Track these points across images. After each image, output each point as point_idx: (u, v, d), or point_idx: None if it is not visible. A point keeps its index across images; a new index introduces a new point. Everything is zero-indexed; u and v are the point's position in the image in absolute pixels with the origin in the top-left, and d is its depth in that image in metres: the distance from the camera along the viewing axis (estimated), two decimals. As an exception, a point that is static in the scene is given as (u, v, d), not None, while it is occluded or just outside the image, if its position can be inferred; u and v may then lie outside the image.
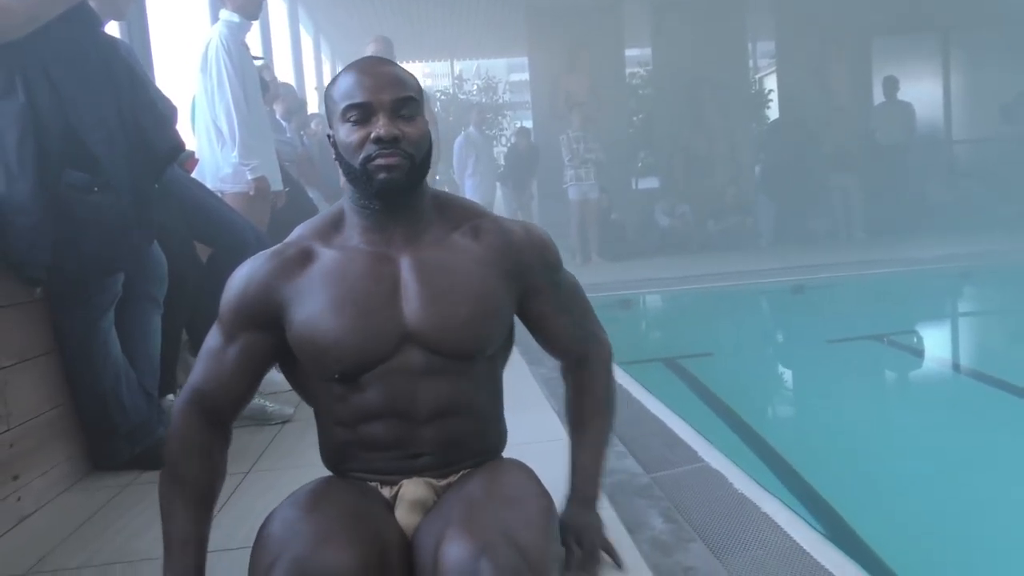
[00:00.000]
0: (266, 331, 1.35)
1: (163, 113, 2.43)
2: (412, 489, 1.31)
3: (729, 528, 1.69)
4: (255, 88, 3.86)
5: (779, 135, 10.13)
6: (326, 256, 1.35)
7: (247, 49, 3.91)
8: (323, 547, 1.12)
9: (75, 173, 2.09)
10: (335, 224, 1.40)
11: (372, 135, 1.30)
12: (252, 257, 1.40)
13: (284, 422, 2.79)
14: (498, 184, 9.82)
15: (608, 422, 1.54)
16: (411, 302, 1.31)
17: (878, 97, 9.99)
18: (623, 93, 10.84)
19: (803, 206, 9.69)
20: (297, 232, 1.43)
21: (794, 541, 1.62)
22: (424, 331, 1.30)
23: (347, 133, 1.32)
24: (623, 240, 9.35)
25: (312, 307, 1.31)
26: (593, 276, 7.50)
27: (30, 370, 2.13)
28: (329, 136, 1.37)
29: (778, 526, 1.69)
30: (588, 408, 1.51)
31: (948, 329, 5.66)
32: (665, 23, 10.57)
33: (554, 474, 1.43)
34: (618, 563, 1.46)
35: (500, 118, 11.55)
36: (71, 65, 2.15)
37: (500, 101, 12.37)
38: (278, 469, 2.23)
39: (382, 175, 1.29)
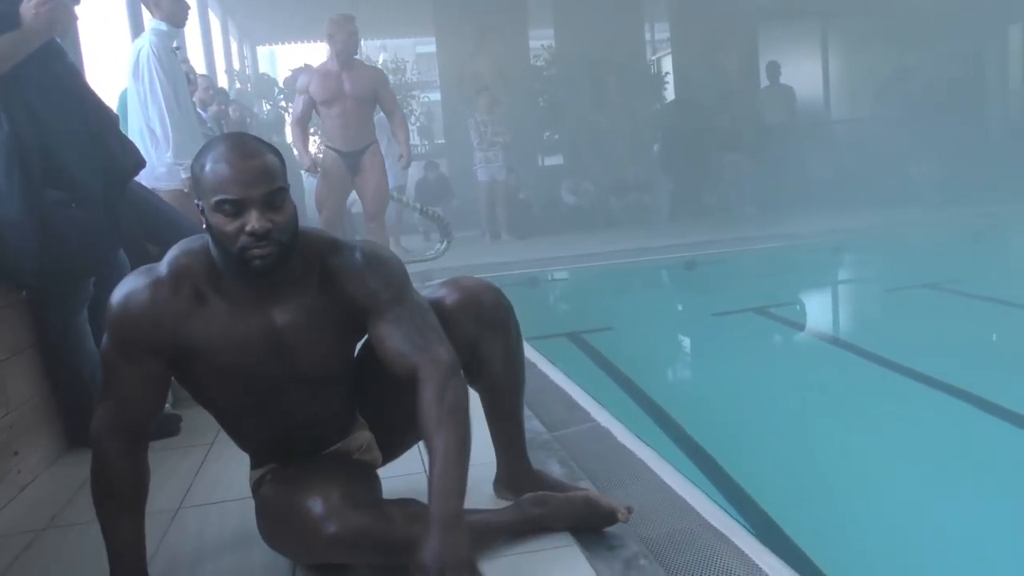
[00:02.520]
0: (163, 357, 1.54)
1: (116, 124, 2.76)
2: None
3: (612, 470, 2.17)
4: (184, 90, 4.12)
5: (675, 115, 10.78)
6: (214, 308, 1.54)
7: (175, 54, 4.17)
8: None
9: (55, 192, 2.40)
10: (212, 269, 1.54)
11: (247, 228, 1.44)
12: (141, 279, 1.53)
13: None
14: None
15: (452, 437, 1.50)
16: (279, 353, 1.58)
17: (765, 80, 10.72)
18: (528, 74, 11.28)
19: (698, 183, 10.37)
20: (181, 257, 1.56)
21: (660, 478, 2.12)
22: (288, 371, 1.60)
23: (221, 223, 1.46)
24: (531, 218, 9.83)
25: (210, 363, 1.55)
26: (502, 255, 7.97)
27: (21, 362, 2.44)
28: (198, 205, 1.49)
29: (649, 468, 2.18)
30: (428, 427, 1.52)
31: (820, 301, 6.30)
32: (566, 6, 11.06)
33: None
34: None
35: (410, 99, 11.82)
36: (46, 92, 2.44)
37: (409, 80, 12.62)
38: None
39: (257, 263, 1.47)
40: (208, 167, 1.46)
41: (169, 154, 3.87)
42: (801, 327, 5.32)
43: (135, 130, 3.97)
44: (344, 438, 1.78)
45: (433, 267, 6.48)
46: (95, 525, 1.80)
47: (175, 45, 4.27)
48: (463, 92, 10.24)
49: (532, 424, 2.47)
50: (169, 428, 2.73)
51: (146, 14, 4.15)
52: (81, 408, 2.61)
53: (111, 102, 4.60)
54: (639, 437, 2.50)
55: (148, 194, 3.24)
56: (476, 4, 10.70)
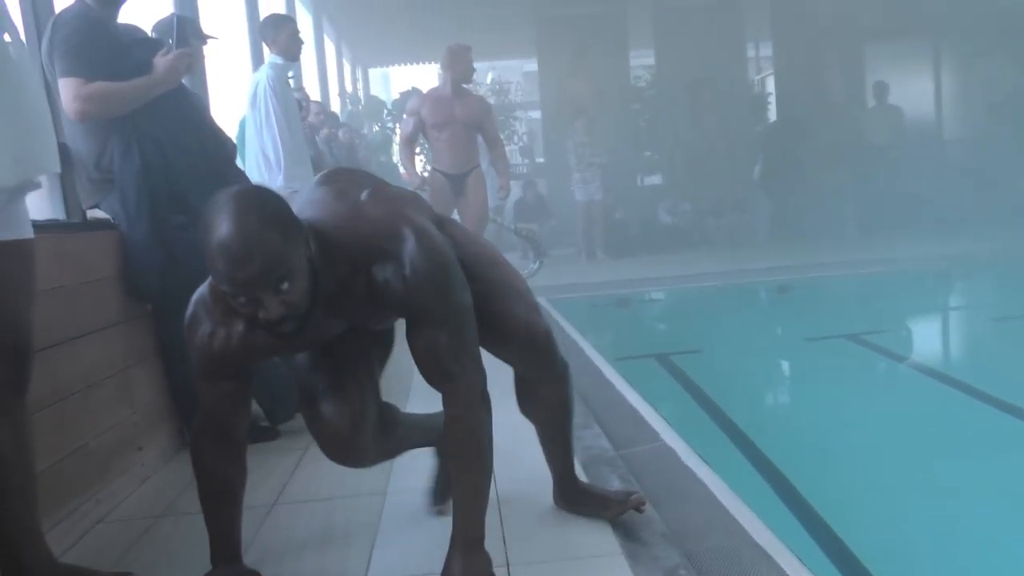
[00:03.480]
0: (231, 377, 1.71)
1: (232, 155, 3.07)
2: None
3: (669, 488, 2.28)
4: (296, 118, 4.47)
5: (776, 135, 10.68)
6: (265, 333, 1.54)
7: (289, 85, 4.51)
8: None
9: (177, 217, 2.71)
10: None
11: (262, 317, 1.46)
12: (206, 320, 1.66)
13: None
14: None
15: (476, 462, 1.62)
16: (331, 347, 1.76)
17: (871, 100, 10.48)
18: (628, 94, 11.40)
19: (799, 204, 10.23)
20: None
21: (714, 496, 2.22)
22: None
23: (238, 306, 1.48)
24: (627, 237, 9.92)
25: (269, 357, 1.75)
26: (596, 275, 8.11)
27: (145, 367, 2.75)
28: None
29: (706, 486, 2.28)
30: (453, 450, 1.66)
31: (919, 330, 6.11)
32: (667, 27, 11.13)
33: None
34: None
35: (512, 120, 12.13)
36: (171, 127, 2.75)
37: (513, 101, 12.95)
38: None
39: (281, 335, 1.51)
40: (214, 251, 1.41)
41: (280, 178, 4.20)
42: (896, 357, 5.18)
43: (252, 154, 4.33)
44: None
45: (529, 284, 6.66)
46: (200, 514, 2.04)
47: (290, 75, 4.62)
48: (563, 113, 10.44)
49: (600, 442, 2.61)
50: (269, 433, 3.00)
51: (265, 48, 4.50)
52: (194, 410, 2.91)
53: (232, 128, 5.04)
54: (701, 456, 2.59)
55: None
56: (577, 26, 10.91)
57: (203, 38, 3.43)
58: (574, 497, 2.05)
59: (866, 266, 7.47)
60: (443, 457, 2.11)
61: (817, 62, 10.69)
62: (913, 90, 10.83)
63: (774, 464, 2.99)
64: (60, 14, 2.59)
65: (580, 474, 2.17)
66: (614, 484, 2.21)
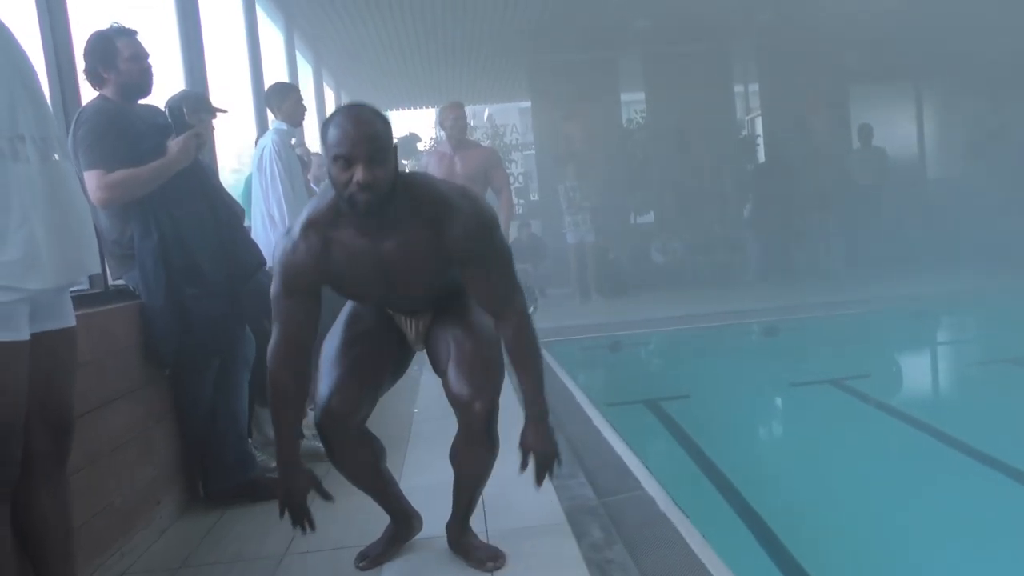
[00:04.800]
0: (306, 290, 2.07)
1: (240, 219, 3.31)
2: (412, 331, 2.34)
3: (646, 536, 2.47)
4: (299, 177, 4.72)
5: (765, 176, 10.96)
6: (337, 245, 2.05)
7: (292, 149, 4.77)
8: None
9: (191, 287, 2.93)
10: (335, 213, 2.04)
11: (353, 179, 1.91)
12: (289, 238, 2.09)
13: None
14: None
15: (535, 364, 2.17)
16: (388, 276, 2.10)
17: (856, 140, 10.79)
18: (619, 136, 11.71)
19: (787, 243, 10.49)
20: (310, 216, 2.08)
21: (688, 546, 2.42)
22: (398, 288, 2.14)
23: (336, 173, 1.94)
24: (620, 277, 10.16)
25: (335, 276, 2.10)
26: (588, 317, 8.32)
27: (164, 426, 2.96)
28: (328, 171, 1.98)
29: (681, 535, 2.48)
30: (516, 357, 2.16)
31: (899, 374, 6.24)
32: (656, 71, 11.45)
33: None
34: (551, 474, 2.18)
35: (509, 162, 12.44)
36: (184, 201, 2.98)
37: (508, 142, 13.28)
38: (340, 496, 3.05)
39: (360, 206, 1.95)
40: (330, 129, 1.94)
41: (285, 236, 4.44)
42: (876, 403, 5.23)
43: (258, 213, 4.56)
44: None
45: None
46: (219, 566, 2.24)
47: (293, 141, 4.88)
48: (556, 157, 10.74)
49: (584, 491, 2.82)
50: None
51: (270, 114, 4.77)
52: (212, 463, 3.12)
53: (238, 188, 5.29)
54: (679, 506, 2.79)
55: (264, 276, 3.77)
56: (569, 69, 11.22)
57: (212, 111, 3.69)
58: (455, 538, 2.42)
59: (852, 306, 7.66)
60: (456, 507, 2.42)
61: (803, 104, 11.01)
62: (897, 132, 11.15)
63: (756, 512, 3.14)
64: (83, 110, 2.84)
65: (562, 522, 2.41)
66: (594, 534, 2.42)
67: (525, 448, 2.17)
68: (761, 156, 11.81)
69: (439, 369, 2.26)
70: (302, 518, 2.15)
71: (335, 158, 1.93)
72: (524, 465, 2.16)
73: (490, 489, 2.38)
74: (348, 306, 2.39)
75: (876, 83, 11.35)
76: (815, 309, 7.70)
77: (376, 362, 2.28)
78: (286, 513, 2.16)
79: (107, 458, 2.47)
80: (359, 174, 1.91)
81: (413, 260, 2.08)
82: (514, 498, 2.58)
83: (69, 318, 1.90)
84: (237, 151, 7.10)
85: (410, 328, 2.35)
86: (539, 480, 2.18)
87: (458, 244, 2.06)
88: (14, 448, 1.73)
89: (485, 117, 15.32)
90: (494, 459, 2.28)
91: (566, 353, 6.53)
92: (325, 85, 11.04)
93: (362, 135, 1.92)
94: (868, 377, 5.78)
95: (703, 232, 10.71)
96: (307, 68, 9.86)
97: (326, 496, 2.20)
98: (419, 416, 4.42)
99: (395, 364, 2.37)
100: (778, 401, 5.44)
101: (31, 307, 1.75)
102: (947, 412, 4.98)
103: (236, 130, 6.63)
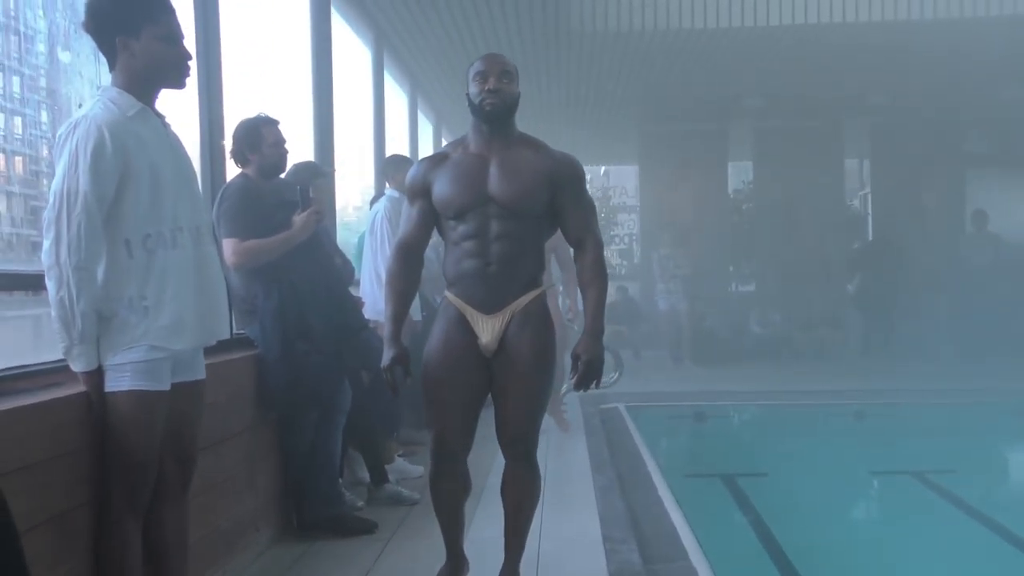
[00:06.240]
0: (427, 198, 2.61)
1: (350, 280, 3.74)
2: (487, 334, 2.59)
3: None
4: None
5: (873, 254, 10.83)
6: (453, 158, 2.62)
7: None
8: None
9: (302, 344, 3.36)
10: (463, 141, 2.66)
11: (486, 87, 2.54)
12: (417, 167, 2.72)
13: (414, 503, 3.95)
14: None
15: (600, 286, 2.59)
16: (492, 181, 2.55)
17: (969, 225, 10.55)
18: (725, 205, 11.82)
19: (892, 324, 10.28)
20: (447, 146, 2.74)
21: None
22: (496, 195, 2.55)
23: (475, 88, 2.56)
24: (715, 345, 10.18)
25: (441, 183, 2.59)
26: (680, 383, 8.42)
27: (267, 463, 3.38)
28: (467, 94, 2.58)
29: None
30: (586, 278, 2.60)
31: (987, 475, 5.97)
32: (766, 143, 11.55)
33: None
34: (596, 385, 2.57)
35: (612, 225, 12.75)
36: (302, 270, 3.43)
37: (614, 204, 13.60)
38: (413, 538, 3.39)
39: (488, 108, 2.54)
40: (474, 63, 2.62)
41: (390, 294, 4.87)
42: (955, 501, 5.12)
43: (367, 272, 5.02)
44: (525, 294, 2.63)
45: (609, 391, 7.01)
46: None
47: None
48: (656, 222, 10.96)
49: (632, 556, 3.05)
50: (368, 527, 3.54)
51: (386, 183, 5.26)
52: (307, 497, 3.51)
53: (352, 240, 5.78)
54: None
55: (367, 335, 4.19)
56: (679, 140, 11.47)
57: (325, 173, 4.21)
58: None
59: (949, 396, 7.47)
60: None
61: (916, 185, 10.88)
62: (1015, 219, 10.82)
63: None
64: (227, 186, 3.38)
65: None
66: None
67: (575, 355, 2.57)
68: (870, 233, 11.68)
69: (494, 398, 2.66)
70: (392, 383, 2.61)
71: (475, 75, 2.57)
72: (574, 370, 2.57)
73: (545, 545, 2.64)
74: (433, 340, 2.67)
75: (994, 166, 11.10)
76: (911, 395, 7.57)
77: (474, 392, 2.65)
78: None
79: (219, 487, 2.88)
80: (491, 83, 2.53)
81: (518, 169, 2.57)
82: (565, 557, 2.82)
83: (201, 371, 2.31)
84: (362, 189, 7.77)
85: (484, 330, 2.61)
86: (580, 385, 2.59)
87: (560, 168, 2.61)
88: (151, 477, 2.13)
89: (602, 172, 15.68)
90: (539, 487, 2.65)
91: (650, 419, 6.68)
92: (444, 139, 11.69)
93: (496, 60, 2.62)
94: (953, 473, 5.63)
95: (804, 306, 10.66)
96: (428, 126, 10.49)
97: (407, 373, 2.63)
98: (497, 470, 4.72)
99: (484, 388, 2.69)
100: (854, 488, 5.42)
101: (173, 362, 2.17)
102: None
103: (359, 172, 7.23)
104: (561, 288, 6.61)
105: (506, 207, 2.56)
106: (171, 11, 2.18)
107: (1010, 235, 10.36)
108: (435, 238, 2.87)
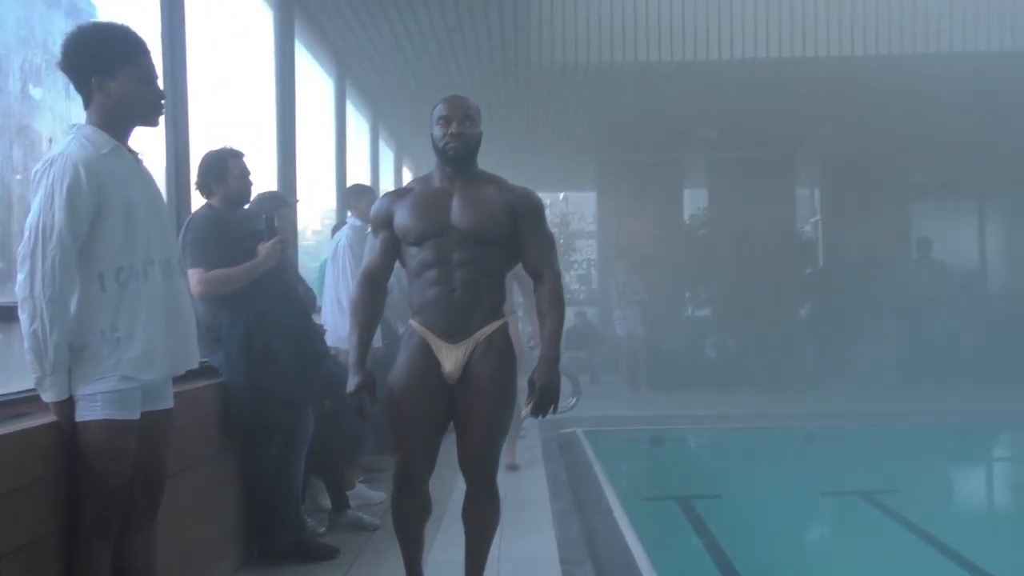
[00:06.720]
0: (390, 227, 2.74)
1: (312, 309, 3.81)
2: (451, 362, 2.68)
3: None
4: (364, 269, 5.25)
5: (823, 280, 11.15)
6: (417, 191, 2.77)
7: (365, 242, 5.29)
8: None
9: (267, 371, 3.42)
10: (428, 178, 2.82)
11: (449, 131, 2.68)
12: (381, 200, 2.86)
13: (375, 529, 4.00)
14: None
15: (557, 315, 2.71)
16: (454, 212, 2.67)
17: (915, 252, 10.93)
18: (681, 232, 12.08)
19: (843, 349, 10.55)
20: (412, 182, 2.89)
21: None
22: (457, 224, 2.67)
23: (439, 131, 2.70)
24: (672, 370, 10.36)
25: (403, 212, 2.71)
26: (637, 408, 8.58)
27: (231, 490, 3.42)
28: (431, 134, 2.71)
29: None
30: (544, 307, 2.72)
31: (932, 494, 6.18)
32: (720, 172, 11.85)
33: None
34: (553, 411, 2.67)
35: (571, 251, 12.92)
36: (267, 299, 3.49)
37: (573, 231, 13.79)
38: (375, 562, 3.45)
39: (450, 151, 2.68)
40: (436, 107, 2.76)
41: (351, 322, 4.94)
42: (901, 520, 5.29)
43: (329, 299, 5.08)
44: (487, 323, 2.73)
45: (568, 416, 7.11)
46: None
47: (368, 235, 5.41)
48: (614, 248, 11.16)
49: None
50: (331, 553, 3.59)
51: (348, 211, 5.33)
52: (270, 523, 3.55)
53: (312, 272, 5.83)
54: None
55: (331, 363, 4.25)
56: (635, 165, 11.71)
57: (289, 203, 4.29)
58: None
59: (897, 418, 7.73)
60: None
61: (864, 213, 11.22)
62: (958, 246, 11.23)
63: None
64: (192, 216, 3.44)
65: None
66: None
67: (532, 382, 2.69)
68: (820, 260, 12.00)
69: (456, 425, 2.76)
70: (360, 408, 2.71)
71: (438, 119, 2.71)
72: (531, 397, 2.68)
73: (504, 567, 2.73)
74: (399, 367, 2.77)
75: (939, 196, 11.52)
76: (859, 418, 7.81)
77: (437, 418, 2.75)
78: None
79: (184, 514, 2.91)
80: (454, 127, 2.68)
81: (479, 200, 2.70)
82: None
83: (170, 400, 2.37)
84: (322, 212, 7.83)
85: (448, 358, 2.70)
86: (537, 411, 2.69)
87: (519, 200, 2.75)
88: (120, 504, 2.18)
89: (560, 197, 15.84)
90: (498, 514, 2.75)
91: (607, 444, 6.81)
92: (405, 168, 11.78)
93: (458, 104, 2.76)
94: (897, 492, 5.83)
95: (758, 332, 10.89)
96: (389, 154, 10.59)
97: (372, 398, 2.71)
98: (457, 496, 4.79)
99: (447, 415, 2.78)
100: (804, 509, 5.60)
101: (143, 392, 2.23)
102: (969, 535, 5.05)
103: (319, 196, 7.29)
104: (521, 314, 6.72)
105: (467, 235, 2.67)
106: (146, 51, 2.26)
107: (953, 262, 10.77)
108: (397, 266, 2.94)
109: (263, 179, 4.64)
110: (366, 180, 8.34)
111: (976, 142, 9.95)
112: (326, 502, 4.19)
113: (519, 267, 2.90)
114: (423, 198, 2.74)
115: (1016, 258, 11.36)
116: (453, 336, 2.69)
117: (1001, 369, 9.30)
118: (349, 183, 6.61)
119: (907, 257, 11.14)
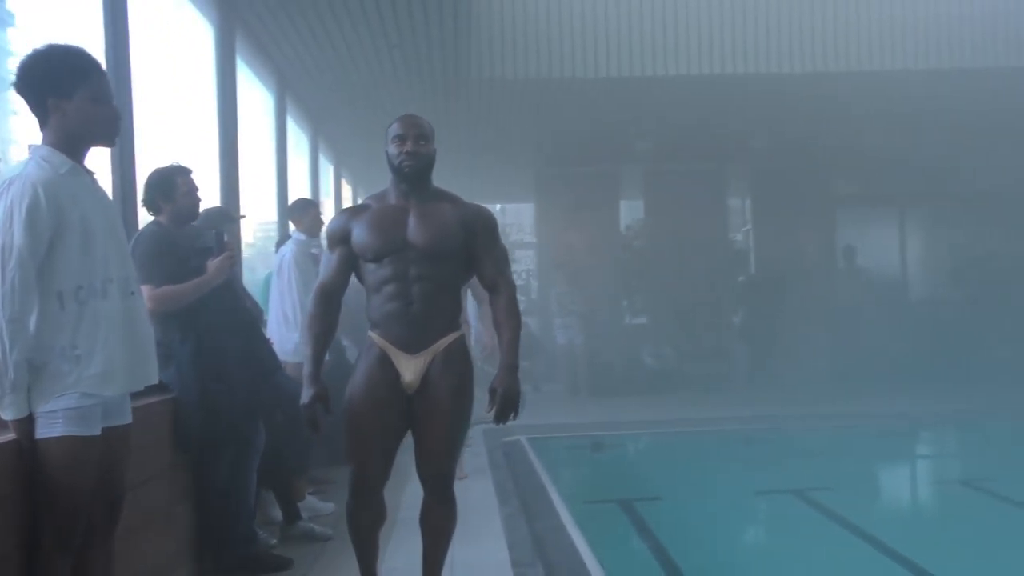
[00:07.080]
0: (347, 244, 2.79)
1: (259, 322, 3.84)
2: (410, 372, 2.76)
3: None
4: (314, 282, 5.27)
5: (756, 288, 11.51)
6: (374, 208, 2.84)
7: (310, 256, 5.33)
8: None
9: (217, 384, 3.44)
10: (383, 195, 2.88)
11: (404, 149, 2.76)
12: (337, 217, 2.96)
13: (327, 539, 4.04)
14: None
15: (514, 325, 2.81)
16: (410, 228, 2.75)
17: (841, 260, 11.38)
18: (618, 243, 12.33)
19: (774, 354, 10.92)
20: (368, 199, 2.94)
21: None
22: (414, 241, 2.75)
23: (394, 150, 2.78)
24: (611, 377, 10.57)
25: (361, 229, 2.78)
26: (578, 415, 8.74)
27: (185, 504, 3.44)
28: (387, 152, 2.80)
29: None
30: (500, 318, 2.81)
31: (863, 491, 6.39)
32: (656, 184, 12.17)
33: None
34: (514, 417, 2.74)
35: (511, 262, 13.04)
36: (217, 315, 3.52)
37: (513, 241, 13.92)
38: (329, 572, 3.50)
39: (406, 169, 2.76)
40: (392, 125, 2.85)
41: (297, 335, 4.95)
42: (833, 516, 5.45)
43: (275, 313, 5.10)
44: (445, 335, 2.82)
45: (511, 424, 7.21)
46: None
47: (313, 249, 5.45)
48: (554, 259, 11.34)
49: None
50: (284, 564, 3.63)
51: (292, 225, 5.36)
52: (223, 536, 3.57)
53: (257, 285, 5.83)
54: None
55: (281, 377, 4.27)
56: (573, 177, 11.97)
57: (235, 219, 4.31)
58: None
59: (827, 420, 8.04)
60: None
61: (792, 222, 11.63)
62: (881, 254, 11.73)
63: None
64: (140, 233, 3.46)
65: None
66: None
67: (493, 389, 2.76)
68: (752, 268, 12.39)
69: (415, 434, 2.83)
70: (313, 421, 2.76)
71: (393, 138, 2.80)
72: (491, 404, 2.75)
73: (458, 572, 2.82)
74: (358, 377, 2.84)
75: (861, 205, 12.03)
76: (792, 420, 8.08)
77: (394, 428, 2.82)
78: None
79: (139, 530, 2.92)
80: (408, 146, 2.76)
81: (435, 217, 2.78)
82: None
83: (128, 416, 2.40)
84: (260, 224, 7.80)
85: (407, 369, 2.78)
86: (499, 419, 2.77)
87: (473, 217, 2.84)
88: (81, 520, 2.21)
89: (498, 208, 15.95)
90: (455, 518, 2.85)
91: (551, 449, 6.94)
92: (344, 181, 11.78)
93: (413, 123, 2.84)
94: (829, 490, 6.05)
95: (693, 339, 11.19)
96: (328, 167, 10.58)
97: (326, 411, 2.77)
98: (407, 503, 4.86)
99: (404, 425, 2.86)
100: (740, 508, 5.80)
101: (103, 408, 2.26)
102: (897, 528, 5.28)
103: (256, 208, 7.28)
104: (474, 322, 6.79)
105: (424, 251, 2.76)
106: (102, 72, 2.31)
107: (876, 269, 11.24)
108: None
109: (207, 194, 4.65)
110: (306, 194, 8.33)
111: (896, 156, 10.44)
112: (277, 514, 4.21)
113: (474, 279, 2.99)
114: (380, 215, 2.81)
115: (934, 265, 11.89)
116: (412, 347, 2.78)
117: (923, 370, 9.78)
118: (290, 197, 6.62)
119: (833, 265, 11.58)
